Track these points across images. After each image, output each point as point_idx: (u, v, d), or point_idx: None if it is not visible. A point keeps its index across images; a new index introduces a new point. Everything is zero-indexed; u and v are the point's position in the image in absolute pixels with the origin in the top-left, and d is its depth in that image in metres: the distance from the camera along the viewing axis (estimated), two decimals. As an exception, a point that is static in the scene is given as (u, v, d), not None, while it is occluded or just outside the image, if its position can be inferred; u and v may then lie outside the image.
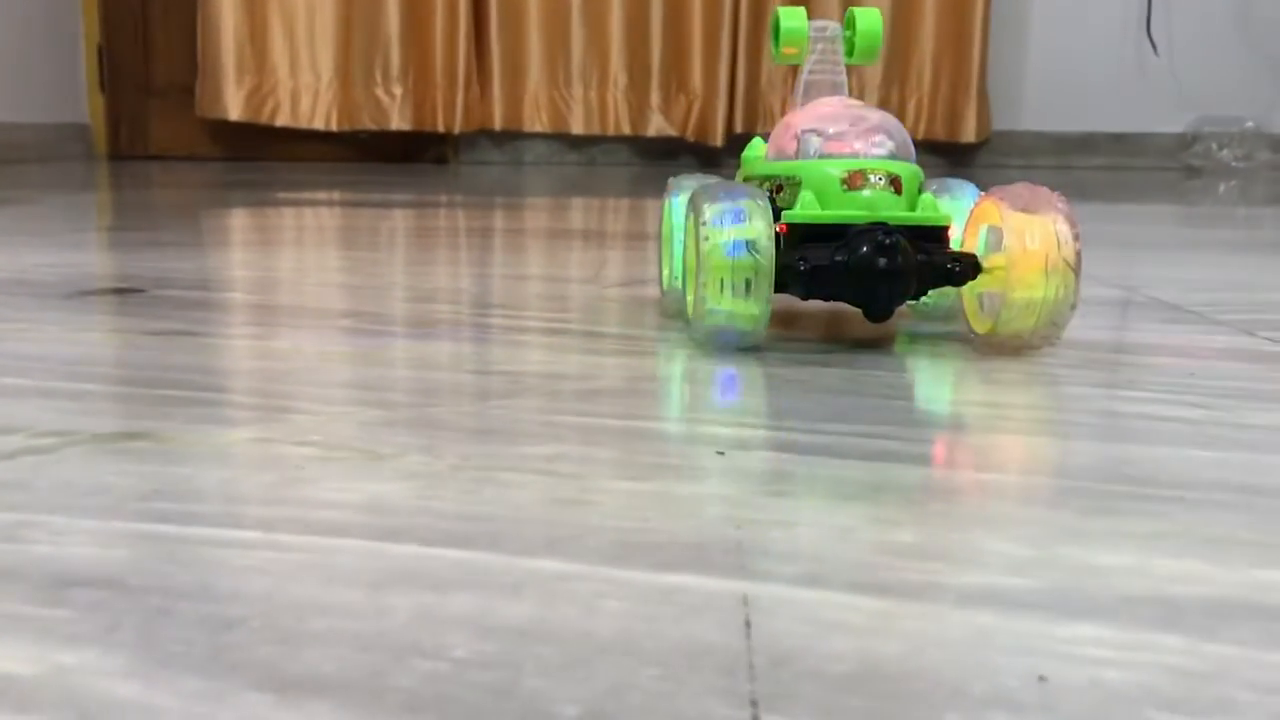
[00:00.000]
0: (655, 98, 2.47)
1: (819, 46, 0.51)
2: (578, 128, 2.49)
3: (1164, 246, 0.91)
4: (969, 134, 2.38)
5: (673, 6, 2.45)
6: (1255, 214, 1.40)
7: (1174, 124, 2.39)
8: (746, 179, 0.50)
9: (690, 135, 2.46)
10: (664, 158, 2.54)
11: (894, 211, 0.43)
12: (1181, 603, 0.21)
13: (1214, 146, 2.30)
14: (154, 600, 0.20)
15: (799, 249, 0.43)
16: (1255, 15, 2.35)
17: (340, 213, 1.19)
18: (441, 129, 2.48)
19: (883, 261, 0.41)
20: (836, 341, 0.47)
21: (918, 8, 2.39)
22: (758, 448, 0.31)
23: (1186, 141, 2.37)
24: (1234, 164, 2.31)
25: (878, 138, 0.45)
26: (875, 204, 0.43)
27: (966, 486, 0.28)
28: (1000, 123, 2.44)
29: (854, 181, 0.44)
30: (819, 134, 0.46)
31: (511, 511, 0.25)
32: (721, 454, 0.30)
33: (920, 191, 0.45)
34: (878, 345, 0.46)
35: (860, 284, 0.42)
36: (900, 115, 2.40)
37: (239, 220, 1.06)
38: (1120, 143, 2.43)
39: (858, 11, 0.51)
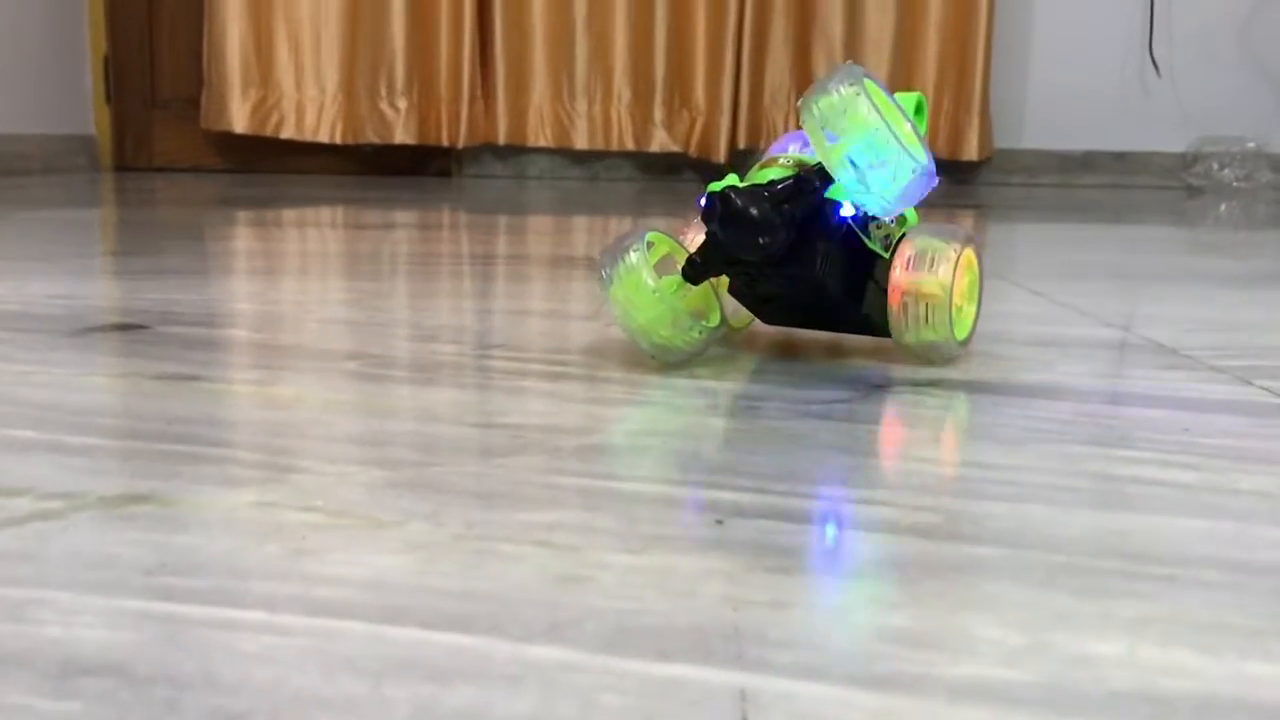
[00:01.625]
0: (659, 113, 2.48)
1: None
2: (581, 143, 2.50)
3: (1161, 278, 0.91)
4: (971, 152, 2.39)
5: (676, 22, 2.46)
6: (1255, 239, 1.40)
7: (1175, 143, 2.39)
8: None
9: (693, 151, 2.46)
10: (667, 173, 2.55)
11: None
12: (1170, 699, 0.21)
13: (1215, 166, 2.31)
14: (161, 692, 0.21)
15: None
16: (1257, 35, 2.36)
17: (344, 235, 1.19)
18: (446, 143, 2.49)
19: (732, 209, 0.46)
20: (836, 388, 0.47)
21: (920, 26, 2.40)
22: (755, 515, 0.31)
23: (1188, 161, 2.37)
24: (1235, 184, 2.31)
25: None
26: (766, 176, 0.49)
27: (961, 562, 0.28)
28: (1002, 141, 2.45)
29: (765, 166, 0.50)
30: (787, 141, 0.52)
31: (511, 590, 0.26)
32: (720, 522, 0.31)
33: None
34: (877, 394, 0.46)
35: (724, 231, 0.46)
36: (903, 133, 2.40)
37: (242, 244, 1.07)
38: (1122, 162, 2.43)
39: (896, 95, 0.54)
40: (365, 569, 0.27)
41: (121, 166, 2.64)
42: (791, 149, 0.51)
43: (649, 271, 0.48)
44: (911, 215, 0.54)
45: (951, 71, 2.40)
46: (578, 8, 2.46)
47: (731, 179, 0.49)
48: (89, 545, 0.28)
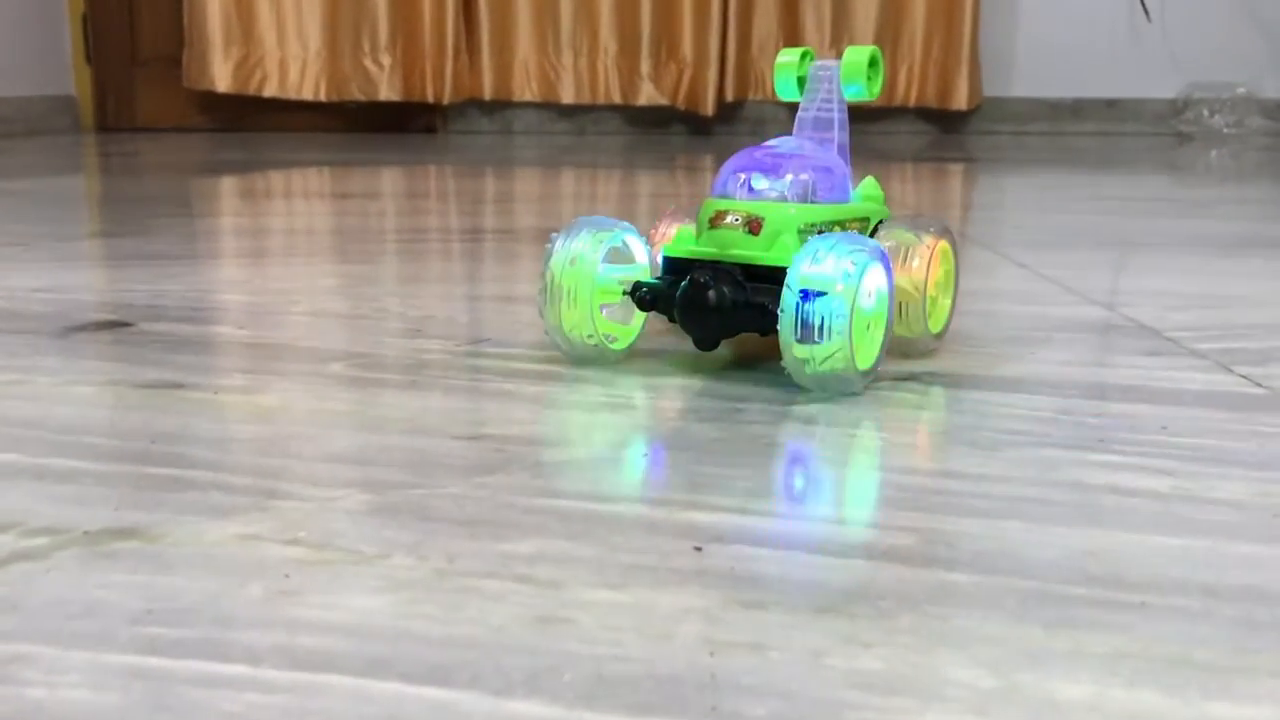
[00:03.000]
0: (646, 66, 2.46)
1: (822, 86, 0.52)
2: (568, 97, 2.48)
3: (1148, 245, 0.91)
4: (960, 101, 2.38)
5: (662, -27, 2.43)
6: (1242, 194, 1.40)
7: (1166, 89, 2.38)
8: None
9: (681, 104, 2.45)
10: (655, 126, 2.53)
11: (742, 250, 0.47)
12: (1134, 748, 0.22)
13: (1205, 112, 2.30)
14: (145, 763, 0.21)
15: (662, 278, 0.49)
16: (1248, -21, 2.34)
17: (329, 206, 1.19)
18: (431, 99, 2.47)
19: (695, 298, 0.46)
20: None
21: (909, -26, 2.37)
22: (733, 540, 0.32)
23: (1178, 107, 2.36)
24: (1225, 130, 2.30)
25: (755, 180, 0.49)
26: (724, 242, 0.47)
27: (935, 591, 0.29)
28: (992, 89, 2.43)
29: (716, 220, 0.47)
30: (728, 175, 0.49)
31: (492, 635, 0.26)
32: (699, 549, 0.31)
33: (808, 230, 0.47)
34: (858, 392, 0.46)
35: (682, 316, 0.47)
36: (891, 84, 2.39)
37: (229, 221, 1.06)
38: (1112, 109, 2.42)
39: (848, 49, 0.53)
40: (347, 613, 0.27)
41: (104, 127, 2.61)
42: (738, 192, 0.49)
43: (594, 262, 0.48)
44: (877, 195, 0.54)
45: (940, 19, 2.38)
46: (562, -40, 2.43)
47: (685, 235, 0.49)
48: (73, 590, 0.28)
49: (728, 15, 2.41)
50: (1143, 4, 2.36)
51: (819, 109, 0.53)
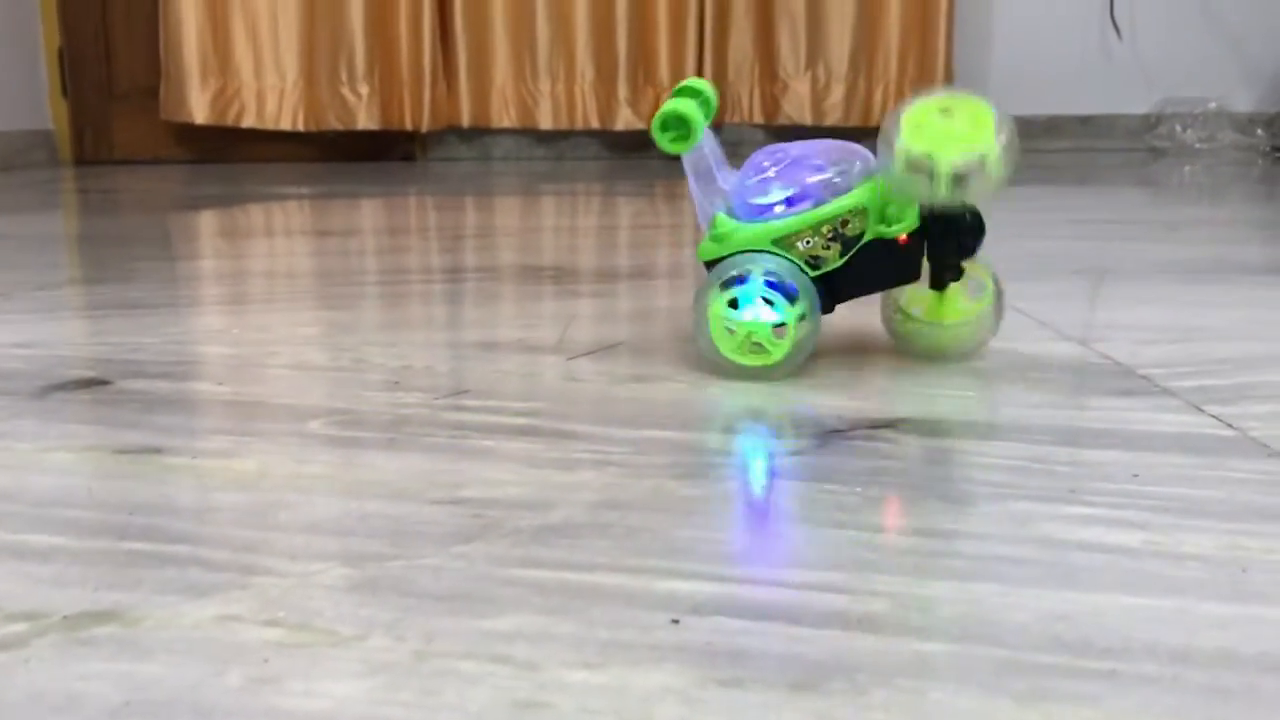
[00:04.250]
0: (623, 90, 2.47)
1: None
2: (546, 123, 2.49)
3: (1122, 273, 0.92)
4: (936, 121, 2.39)
5: (638, -2, 2.44)
6: (1213, 216, 1.42)
7: (1139, 105, 2.41)
8: (775, 241, 0.57)
9: (659, 128, 2.45)
10: (633, 150, 2.54)
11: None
12: (1102, 832, 0.22)
13: (1178, 128, 2.32)
14: None
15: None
16: (1217, -5, 2.36)
17: (309, 244, 1.19)
18: (409, 127, 2.47)
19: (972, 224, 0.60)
20: (793, 436, 0.47)
21: (882, -5, 2.39)
22: (711, 612, 0.32)
23: (1151, 123, 2.38)
24: (1197, 145, 2.33)
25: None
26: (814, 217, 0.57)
27: (908, 663, 0.29)
28: (967, 108, 2.45)
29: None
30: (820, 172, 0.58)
31: (470, 723, 0.26)
32: (676, 622, 0.31)
33: None
34: (833, 442, 0.47)
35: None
36: (867, 103, 2.40)
37: (208, 263, 1.06)
38: (1086, 126, 2.45)
39: (692, 83, 0.59)
40: (326, 700, 0.27)
41: (81, 160, 2.61)
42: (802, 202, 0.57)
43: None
44: None
45: (914, 39, 2.40)
46: (538, -13, 2.44)
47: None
48: (52, 681, 0.28)
49: (704, 39, 2.42)
50: (1113, 21, 2.38)
51: (713, 138, 0.59)
